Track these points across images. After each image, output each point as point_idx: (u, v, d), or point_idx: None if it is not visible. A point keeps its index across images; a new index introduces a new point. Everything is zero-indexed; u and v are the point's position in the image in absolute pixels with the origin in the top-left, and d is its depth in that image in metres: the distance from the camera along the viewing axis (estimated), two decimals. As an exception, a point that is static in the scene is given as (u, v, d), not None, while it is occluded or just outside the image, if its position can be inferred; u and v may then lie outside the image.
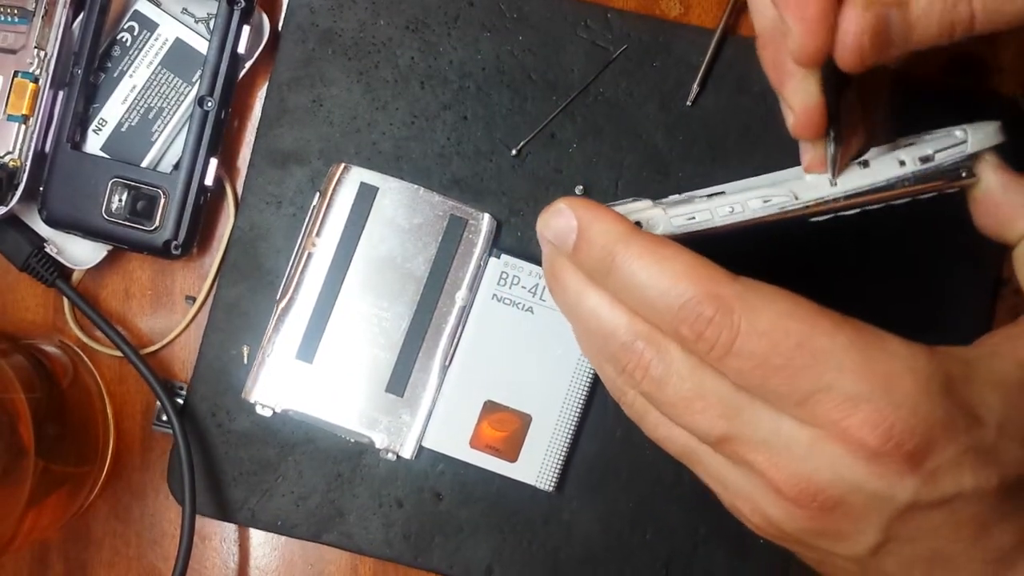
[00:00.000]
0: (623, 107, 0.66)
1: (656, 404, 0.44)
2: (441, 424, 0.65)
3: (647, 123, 0.66)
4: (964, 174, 0.49)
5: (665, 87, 0.66)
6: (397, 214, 0.65)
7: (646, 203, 0.48)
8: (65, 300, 0.69)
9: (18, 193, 0.64)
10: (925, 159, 0.48)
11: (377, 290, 0.65)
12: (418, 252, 0.65)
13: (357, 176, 0.65)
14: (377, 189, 0.65)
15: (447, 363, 0.65)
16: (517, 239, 0.66)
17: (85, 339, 0.69)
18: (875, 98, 0.50)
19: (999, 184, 0.48)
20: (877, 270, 0.65)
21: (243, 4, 0.64)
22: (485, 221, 0.65)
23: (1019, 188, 0.48)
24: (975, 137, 0.48)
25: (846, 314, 0.41)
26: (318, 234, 0.65)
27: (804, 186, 0.48)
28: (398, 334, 0.65)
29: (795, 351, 0.39)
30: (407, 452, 0.65)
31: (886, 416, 0.38)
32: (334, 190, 0.65)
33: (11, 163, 0.66)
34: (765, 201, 0.48)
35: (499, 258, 0.64)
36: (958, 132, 0.49)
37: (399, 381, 0.65)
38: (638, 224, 0.46)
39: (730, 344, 0.40)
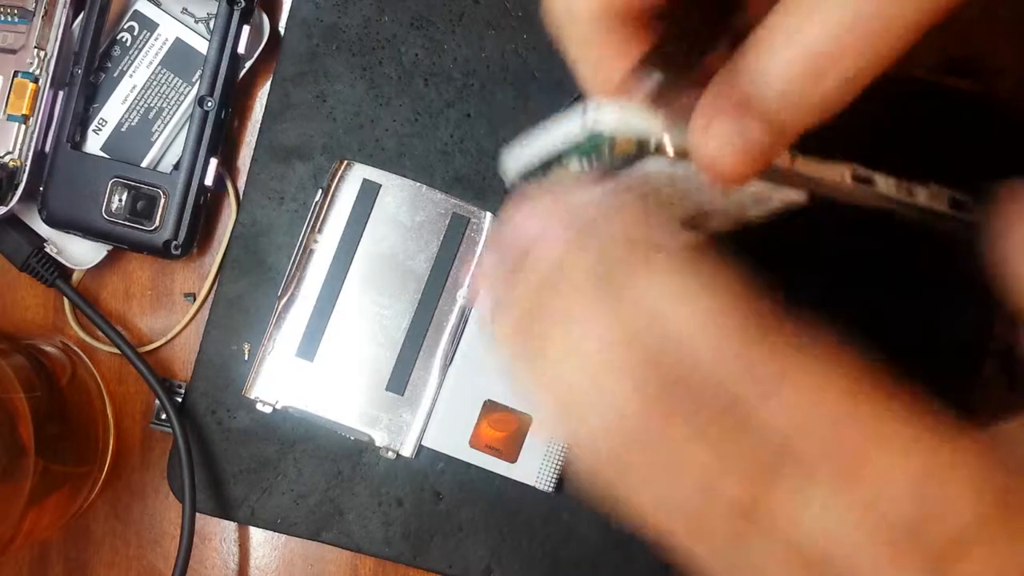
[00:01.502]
0: (625, 106, 0.66)
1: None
2: (441, 423, 0.65)
3: (649, 122, 0.66)
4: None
5: (667, 86, 0.66)
6: (399, 211, 0.65)
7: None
8: (65, 300, 0.69)
9: (18, 193, 0.64)
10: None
11: (378, 288, 0.65)
12: (420, 250, 0.65)
13: (360, 173, 0.65)
14: (380, 186, 0.65)
15: (448, 362, 0.65)
16: (519, 238, 0.66)
17: (85, 338, 0.69)
18: None
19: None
20: (875, 268, 0.65)
21: (243, 4, 0.64)
22: (487, 220, 0.65)
23: None
24: None
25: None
26: (320, 231, 0.65)
27: None
28: (399, 332, 0.65)
29: (825, 435, 0.33)
30: (407, 451, 0.65)
31: (917, 515, 0.33)
32: (336, 186, 0.65)
33: (11, 163, 0.65)
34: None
35: (500, 257, 0.64)
36: None
37: (400, 379, 0.65)
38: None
39: (749, 416, 0.33)
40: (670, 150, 0.34)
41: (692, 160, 0.33)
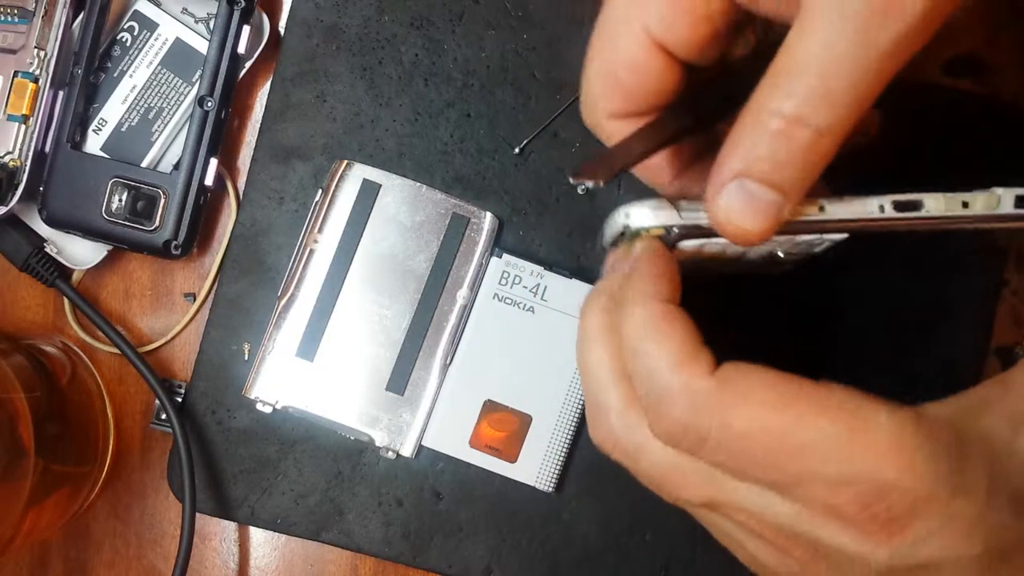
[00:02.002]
0: (625, 106, 0.66)
1: (630, 472, 0.43)
2: (441, 423, 0.65)
3: (649, 122, 0.66)
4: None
5: (667, 86, 0.66)
6: (399, 212, 0.65)
7: None
8: (65, 300, 0.69)
9: (18, 193, 0.64)
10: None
11: (378, 288, 0.65)
12: (420, 250, 0.65)
13: (360, 173, 0.65)
14: (380, 186, 0.65)
15: (448, 362, 0.65)
16: (519, 238, 0.66)
17: (85, 338, 0.69)
18: None
19: None
20: (878, 269, 0.65)
21: (243, 4, 0.64)
22: (487, 220, 0.65)
23: None
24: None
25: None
26: (320, 231, 0.65)
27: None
28: (399, 332, 0.65)
29: (775, 448, 0.38)
30: (407, 451, 0.65)
31: (869, 493, 0.37)
32: (336, 187, 0.65)
33: (11, 163, 0.65)
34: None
35: (500, 257, 0.64)
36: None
37: (400, 379, 0.65)
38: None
39: (701, 443, 0.39)
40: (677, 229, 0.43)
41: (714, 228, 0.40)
